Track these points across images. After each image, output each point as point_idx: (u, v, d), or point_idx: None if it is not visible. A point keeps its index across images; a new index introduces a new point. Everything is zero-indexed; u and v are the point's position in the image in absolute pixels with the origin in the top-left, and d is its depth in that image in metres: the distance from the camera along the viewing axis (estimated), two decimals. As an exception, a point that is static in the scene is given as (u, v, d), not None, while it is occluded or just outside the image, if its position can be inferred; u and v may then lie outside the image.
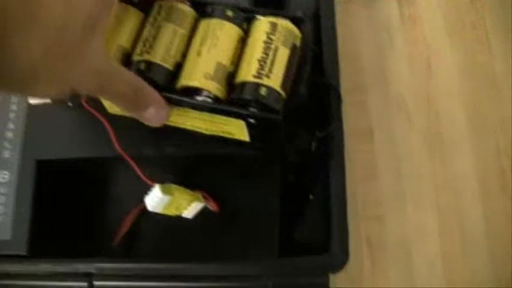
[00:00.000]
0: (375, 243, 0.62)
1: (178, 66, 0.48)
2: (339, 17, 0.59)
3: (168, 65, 0.47)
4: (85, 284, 0.51)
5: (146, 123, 0.47)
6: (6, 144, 0.56)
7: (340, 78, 0.58)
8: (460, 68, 0.68)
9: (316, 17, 0.59)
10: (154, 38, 0.48)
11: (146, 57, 0.47)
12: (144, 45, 0.48)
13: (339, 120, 0.54)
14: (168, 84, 0.47)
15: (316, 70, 0.56)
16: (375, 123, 0.66)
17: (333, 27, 0.58)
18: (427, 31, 0.70)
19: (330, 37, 0.58)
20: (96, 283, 0.51)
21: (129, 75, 0.43)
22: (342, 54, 0.60)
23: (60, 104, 0.56)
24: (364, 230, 0.62)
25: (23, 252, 0.52)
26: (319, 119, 0.55)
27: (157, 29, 0.48)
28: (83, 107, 0.53)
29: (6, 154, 0.56)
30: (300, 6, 0.59)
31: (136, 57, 0.47)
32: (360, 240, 0.62)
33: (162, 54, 0.47)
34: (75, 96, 0.53)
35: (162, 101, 0.46)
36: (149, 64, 0.47)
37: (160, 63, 0.47)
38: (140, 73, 0.46)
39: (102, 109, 0.52)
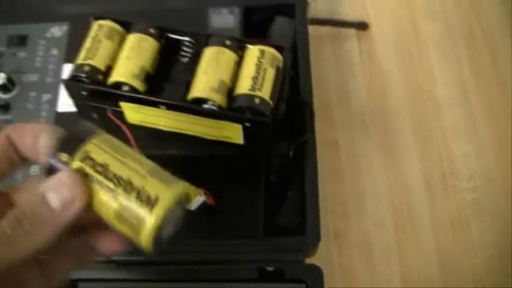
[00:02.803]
0: (342, 236, 0.74)
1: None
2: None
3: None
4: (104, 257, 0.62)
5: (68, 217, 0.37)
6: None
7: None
8: (408, 92, 0.82)
9: (293, 49, 0.72)
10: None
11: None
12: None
13: (312, 129, 0.67)
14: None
15: (293, 91, 0.69)
16: (340, 136, 0.79)
17: (307, 57, 0.72)
18: (381, 63, 0.85)
19: (305, 63, 0.71)
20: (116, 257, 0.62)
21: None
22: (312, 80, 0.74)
23: (86, 116, 0.67)
24: (332, 225, 0.75)
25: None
26: (296, 130, 0.68)
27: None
28: (107, 118, 0.65)
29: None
30: (280, 39, 0.72)
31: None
32: (328, 234, 0.74)
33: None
34: (100, 108, 0.65)
35: (61, 178, 0.37)
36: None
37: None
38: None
39: (123, 119, 0.65)
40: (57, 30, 0.79)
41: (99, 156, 0.37)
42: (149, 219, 0.35)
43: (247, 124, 0.59)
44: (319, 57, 0.80)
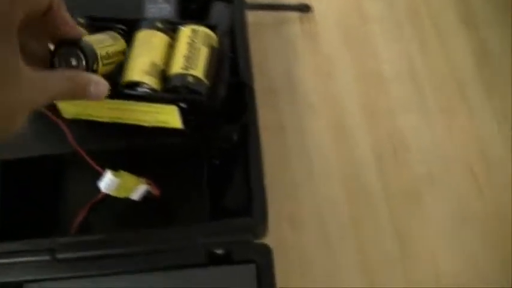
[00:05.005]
0: (295, 218, 0.73)
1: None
2: (250, 35, 0.72)
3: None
4: (48, 257, 0.60)
5: (91, 100, 0.51)
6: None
7: (254, 84, 0.70)
8: (355, 71, 0.82)
9: (232, 34, 0.71)
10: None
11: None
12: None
13: (254, 109, 0.66)
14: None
15: (233, 74, 0.68)
16: (287, 120, 0.78)
17: (246, 39, 0.71)
18: (326, 44, 0.84)
19: (243, 46, 0.70)
20: (59, 255, 0.60)
21: (57, 77, 0.47)
22: (255, 65, 0.73)
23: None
24: (285, 208, 0.73)
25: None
26: (239, 113, 0.67)
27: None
28: (42, 115, 0.63)
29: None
30: (217, 23, 0.71)
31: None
32: (280, 217, 0.73)
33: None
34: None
35: (96, 79, 0.51)
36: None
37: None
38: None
39: (58, 114, 0.63)
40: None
41: None
42: None
43: (183, 105, 0.58)
44: (262, 44, 0.79)
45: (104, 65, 0.54)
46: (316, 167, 0.76)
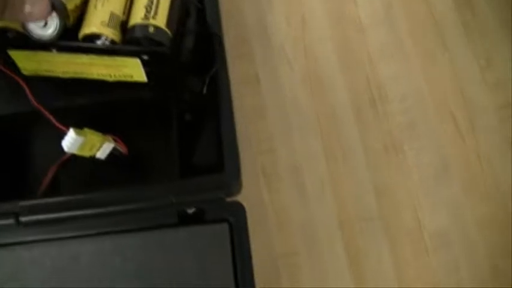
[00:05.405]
0: (271, 173, 0.70)
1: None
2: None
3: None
4: (12, 221, 0.57)
5: (31, 21, 0.52)
6: None
7: (226, 34, 0.66)
8: (330, 18, 0.78)
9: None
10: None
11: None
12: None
13: (223, 60, 0.62)
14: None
15: (201, 24, 0.65)
16: (260, 70, 0.75)
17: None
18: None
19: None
20: (23, 219, 0.57)
21: None
22: (226, 14, 0.69)
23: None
24: (259, 162, 0.71)
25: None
26: (209, 65, 0.63)
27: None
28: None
29: None
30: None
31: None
32: (256, 172, 0.70)
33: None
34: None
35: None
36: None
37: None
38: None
39: (17, 71, 0.60)
40: None
41: None
42: None
43: (145, 57, 0.55)
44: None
45: (73, 18, 0.54)
46: (291, 120, 0.73)
